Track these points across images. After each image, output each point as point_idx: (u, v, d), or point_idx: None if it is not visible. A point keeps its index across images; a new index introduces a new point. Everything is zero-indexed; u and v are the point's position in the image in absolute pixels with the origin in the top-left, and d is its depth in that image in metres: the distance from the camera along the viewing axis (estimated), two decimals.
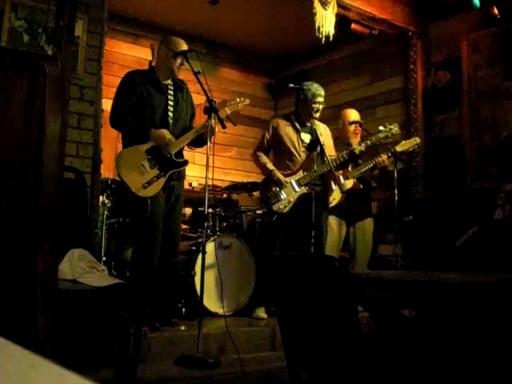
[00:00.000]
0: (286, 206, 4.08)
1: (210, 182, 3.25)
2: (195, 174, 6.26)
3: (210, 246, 4.05)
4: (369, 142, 4.27)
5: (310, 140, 4.19)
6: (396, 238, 4.74)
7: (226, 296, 4.05)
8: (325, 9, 4.57)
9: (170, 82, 3.66)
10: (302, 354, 2.03)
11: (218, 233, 4.35)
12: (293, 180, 4.12)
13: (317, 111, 4.14)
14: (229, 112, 3.60)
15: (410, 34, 5.67)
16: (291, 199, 4.09)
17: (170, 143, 3.45)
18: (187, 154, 6.18)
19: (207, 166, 3.18)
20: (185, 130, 3.63)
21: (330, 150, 4.26)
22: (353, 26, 5.35)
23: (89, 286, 2.47)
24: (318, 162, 4.09)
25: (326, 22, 4.57)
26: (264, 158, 4.25)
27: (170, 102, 3.60)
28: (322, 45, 4.70)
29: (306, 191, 4.08)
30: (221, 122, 3.35)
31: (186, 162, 3.60)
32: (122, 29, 6.08)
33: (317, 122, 4.24)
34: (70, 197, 3.31)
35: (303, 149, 4.17)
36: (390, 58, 6.06)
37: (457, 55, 5.35)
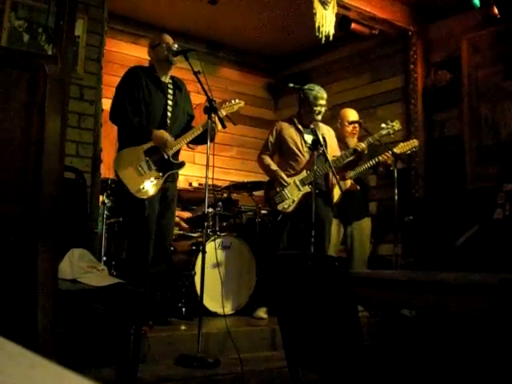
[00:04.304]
0: (290, 206, 4.10)
1: (210, 182, 3.26)
2: (195, 173, 6.27)
3: (211, 246, 4.05)
4: (371, 139, 4.30)
5: (312, 140, 4.21)
6: (396, 238, 4.73)
7: (226, 296, 4.05)
8: (325, 8, 4.56)
9: (169, 80, 3.69)
10: (302, 354, 2.03)
11: (218, 233, 4.36)
12: (296, 179, 4.15)
13: (318, 113, 4.17)
14: (224, 114, 3.62)
15: (410, 33, 5.67)
16: (295, 198, 4.12)
17: (169, 145, 3.48)
18: (187, 153, 6.19)
19: (207, 165, 3.18)
20: (182, 131, 3.67)
21: (333, 150, 4.31)
22: (353, 25, 5.34)
23: (89, 286, 2.46)
24: (321, 162, 4.12)
25: (326, 21, 4.57)
26: (268, 160, 4.30)
27: (170, 102, 3.63)
28: (322, 44, 4.70)
29: (309, 190, 4.10)
30: (221, 121, 3.36)
31: (183, 164, 3.64)
32: (122, 28, 6.07)
33: (320, 123, 4.28)
34: (70, 196, 3.31)
35: (306, 149, 4.21)
36: (390, 57, 6.06)
37: (457, 55, 5.34)
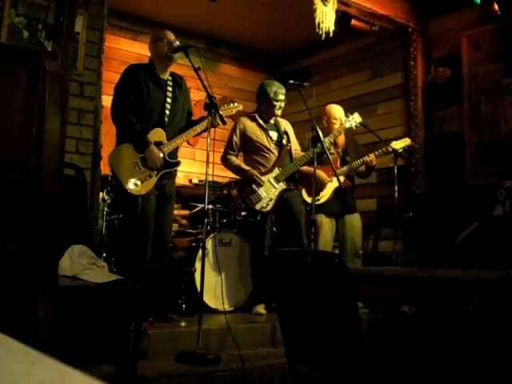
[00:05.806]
0: (268, 204, 4.14)
1: (209, 178, 3.25)
2: (195, 170, 6.27)
3: (210, 243, 4.05)
4: (336, 133, 4.41)
5: (278, 137, 4.28)
6: (396, 235, 4.74)
7: (226, 292, 4.05)
8: (325, 5, 4.56)
9: (168, 77, 3.67)
10: (302, 351, 2.04)
11: (217, 229, 4.36)
12: (270, 177, 4.18)
13: (279, 108, 4.28)
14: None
15: (410, 30, 5.66)
16: (272, 197, 4.15)
17: (159, 165, 3.47)
18: (187, 150, 6.20)
19: (207, 162, 3.18)
20: (180, 128, 3.66)
21: (294, 144, 4.40)
22: (353, 22, 5.33)
23: (89, 283, 2.47)
24: (288, 158, 4.24)
25: (326, 18, 4.56)
26: (236, 160, 4.31)
27: (168, 100, 3.61)
28: (322, 41, 4.69)
29: (285, 187, 4.17)
30: (221, 118, 3.36)
31: (178, 163, 3.64)
32: (122, 25, 6.06)
33: (279, 118, 4.38)
34: (69, 193, 3.31)
35: (274, 146, 4.26)
36: (390, 54, 6.05)
37: (457, 51, 5.34)
